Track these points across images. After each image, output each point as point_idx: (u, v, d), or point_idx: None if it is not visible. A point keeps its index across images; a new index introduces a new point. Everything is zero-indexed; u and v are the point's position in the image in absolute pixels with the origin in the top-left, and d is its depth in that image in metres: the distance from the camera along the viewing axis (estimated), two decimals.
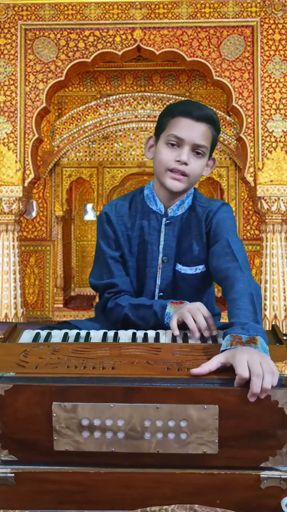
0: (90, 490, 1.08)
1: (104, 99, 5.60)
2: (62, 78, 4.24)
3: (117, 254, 1.60)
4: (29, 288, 5.80)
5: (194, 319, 1.30)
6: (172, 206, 1.58)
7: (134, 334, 1.35)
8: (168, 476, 1.07)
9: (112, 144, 5.88)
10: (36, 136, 4.25)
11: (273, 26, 4.19)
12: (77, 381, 1.07)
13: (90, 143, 5.86)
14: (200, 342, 1.29)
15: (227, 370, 1.08)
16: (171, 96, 5.58)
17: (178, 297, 1.53)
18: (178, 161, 1.46)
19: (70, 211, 6.52)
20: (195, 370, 1.08)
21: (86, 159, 5.89)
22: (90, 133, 5.64)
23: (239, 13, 4.19)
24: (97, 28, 4.21)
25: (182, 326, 1.33)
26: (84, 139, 5.75)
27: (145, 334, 1.34)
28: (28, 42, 4.25)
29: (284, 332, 1.34)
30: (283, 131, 4.21)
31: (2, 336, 1.34)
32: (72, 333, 1.37)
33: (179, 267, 1.57)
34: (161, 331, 1.37)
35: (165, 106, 5.41)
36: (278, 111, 4.20)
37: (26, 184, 4.27)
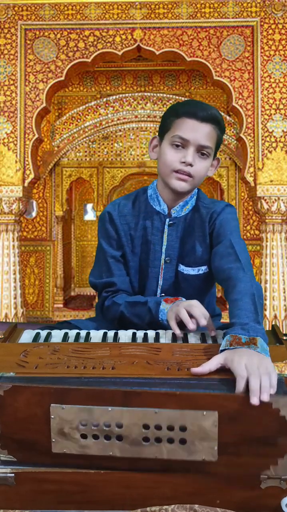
0: (90, 490, 1.07)
1: (104, 99, 5.60)
2: (62, 78, 4.24)
3: (118, 253, 1.59)
4: (29, 288, 5.80)
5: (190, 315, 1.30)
6: (175, 206, 1.57)
7: (134, 334, 1.35)
8: (168, 476, 1.06)
9: (112, 144, 5.88)
10: (36, 136, 4.25)
11: (273, 26, 4.19)
12: (76, 383, 1.06)
13: (90, 143, 5.86)
14: (200, 342, 1.29)
15: (227, 370, 1.08)
16: (171, 96, 5.58)
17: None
18: (183, 162, 1.46)
19: (70, 211, 6.52)
20: (196, 370, 1.08)
21: (86, 159, 5.89)
22: (90, 133, 5.64)
23: (239, 13, 4.19)
24: (97, 28, 4.21)
25: (180, 325, 1.33)
26: (84, 139, 5.75)
27: (145, 334, 1.34)
28: (28, 42, 4.25)
29: (284, 332, 1.34)
30: (283, 131, 4.21)
31: (2, 336, 1.34)
32: (72, 333, 1.37)
33: (182, 267, 1.57)
34: (161, 331, 1.37)
35: (165, 106, 5.44)
36: (278, 111, 4.20)
37: (26, 184, 4.27)
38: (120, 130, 5.82)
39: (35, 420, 1.05)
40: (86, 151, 5.88)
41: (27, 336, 1.36)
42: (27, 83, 4.25)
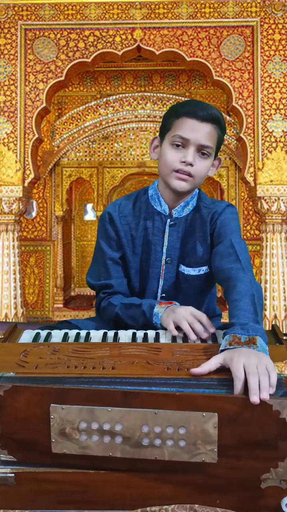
0: (90, 490, 1.07)
1: (104, 99, 5.60)
2: (62, 78, 4.24)
3: (117, 255, 1.59)
4: (29, 288, 5.80)
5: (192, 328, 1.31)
6: (176, 207, 1.57)
7: (134, 334, 1.35)
8: (168, 476, 1.06)
9: (112, 144, 5.88)
10: (36, 136, 4.25)
11: (273, 26, 4.19)
12: (75, 383, 1.06)
13: (90, 143, 5.86)
14: (200, 342, 1.29)
15: (227, 369, 1.08)
16: (171, 96, 5.58)
17: (180, 298, 1.54)
18: (184, 162, 1.46)
19: (70, 211, 6.52)
20: (195, 370, 1.08)
21: (86, 159, 5.89)
22: (90, 133, 5.64)
23: (239, 13, 4.19)
24: (97, 28, 4.21)
25: (178, 329, 1.34)
26: (84, 139, 5.75)
27: (145, 334, 1.34)
28: (28, 42, 4.25)
29: (284, 332, 1.34)
30: (283, 131, 4.21)
31: (2, 336, 1.34)
32: (72, 333, 1.37)
33: (183, 268, 1.57)
34: (161, 331, 1.37)
35: (165, 106, 5.44)
36: (278, 111, 4.20)
37: (26, 184, 4.27)
38: (120, 130, 5.82)
39: (35, 420, 1.05)
40: (86, 151, 5.88)
41: (27, 336, 1.36)
42: (27, 83, 4.25)
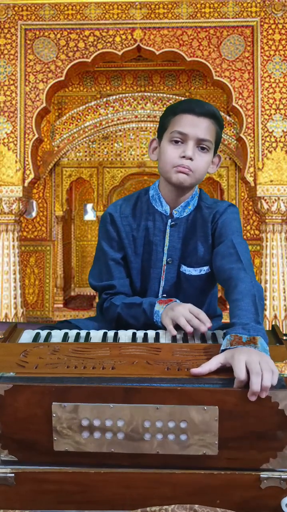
0: (90, 490, 1.08)
1: (104, 99, 5.60)
2: (62, 78, 4.24)
3: (119, 256, 1.59)
4: (29, 288, 5.80)
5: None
6: (177, 207, 1.57)
7: (134, 334, 1.35)
8: (168, 476, 1.07)
9: (112, 144, 5.88)
10: (36, 136, 4.25)
11: (273, 26, 4.19)
12: (77, 381, 1.07)
13: (90, 143, 5.86)
14: (200, 342, 1.29)
15: (227, 370, 1.08)
16: (171, 96, 5.58)
17: (181, 298, 1.54)
18: (183, 157, 1.46)
19: (70, 211, 6.52)
20: (195, 370, 1.08)
21: (86, 159, 5.89)
22: (90, 133, 5.64)
23: (239, 13, 4.19)
24: (97, 28, 4.21)
25: (177, 327, 1.34)
26: (84, 139, 5.75)
27: (145, 334, 1.34)
28: (28, 42, 4.25)
29: (284, 332, 1.34)
30: (283, 131, 4.21)
31: (2, 336, 1.34)
32: (72, 333, 1.37)
33: (184, 268, 1.57)
34: (161, 331, 1.37)
35: (165, 106, 5.44)
36: (278, 111, 4.20)
37: (26, 184, 4.27)
38: (120, 130, 5.82)
39: (35, 419, 1.05)
40: (86, 151, 5.88)
41: (27, 336, 1.36)
42: (27, 83, 4.25)
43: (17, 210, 4.28)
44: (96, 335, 1.36)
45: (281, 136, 4.21)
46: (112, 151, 5.88)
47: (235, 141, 5.39)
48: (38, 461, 1.08)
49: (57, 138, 5.61)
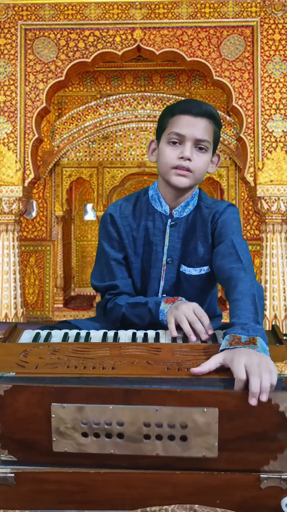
0: (90, 490, 1.07)
1: (104, 99, 5.60)
2: (62, 78, 4.24)
3: (120, 256, 1.59)
4: (29, 288, 5.80)
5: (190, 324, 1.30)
6: (177, 207, 1.57)
7: (134, 334, 1.35)
8: (168, 476, 1.06)
9: (112, 144, 5.88)
10: (36, 136, 4.25)
11: (273, 26, 4.19)
12: (76, 382, 1.06)
13: (90, 143, 5.86)
14: (200, 342, 1.29)
15: (227, 369, 1.08)
16: (171, 96, 5.58)
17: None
18: (182, 157, 1.46)
19: (70, 211, 6.52)
20: (196, 370, 1.08)
21: (86, 159, 5.89)
22: (90, 133, 5.64)
23: (239, 13, 4.19)
24: (97, 28, 4.21)
25: (180, 326, 1.33)
26: (84, 139, 5.75)
27: (145, 334, 1.34)
28: (28, 42, 4.25)
29: (284, 332, 1.34)
30: (283, 131, 4.21)
31: (2, 336, 1.34)
32: (72, 333, 1.37)
33: (184, 268, 1.57)
34: (161, 331, 1.37)
35: (165, 106, 5.43)
36: (278, 111, 4.20)
37: (26, 184, 4.27)
38: (120, 130, 5.82)
39: (35, 419, 1.05)
40: (86, 151, 5.88)
41: (27, 336, 1.36)
42: (27, 83, 4.25)
43: (17, 210, 4.28)
44: (96, 335, 1.36)
45: (281, 136, 4.20)
46: (112, 151, 5.88)
47: (235, 141, 5.39)
48: (38, 461, 1.08)
49: (57, 138, 5.61)
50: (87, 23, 4.21)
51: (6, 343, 1.30)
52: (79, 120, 5.60)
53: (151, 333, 1.36)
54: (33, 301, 5.81)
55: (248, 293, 1.25)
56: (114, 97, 5.60)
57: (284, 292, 4.23)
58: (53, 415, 1.04)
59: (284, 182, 4.19)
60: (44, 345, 1.26)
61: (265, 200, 4.20)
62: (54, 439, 1.05)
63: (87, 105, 5.62)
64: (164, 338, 1.34)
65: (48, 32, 4.23)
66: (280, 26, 4.19)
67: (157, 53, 4.21)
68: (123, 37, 4.21)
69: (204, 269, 1.56)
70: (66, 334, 1.36)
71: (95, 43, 4.21)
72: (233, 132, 5.43)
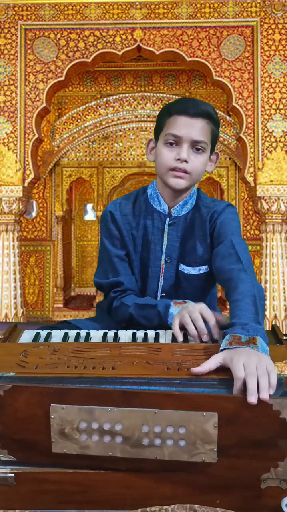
0: (90, 490, 1.07)
1: (104, 99, 5.60)
2: (62, 78, 4.24)
3: (122, 253, 1.59)
4: (29, 288, 5.80)
5: (194, 324, 1.29)
6: (175, 206, 1.57)
7: (134, 334, 1.35)
8: (168, 476, 1.06)
9: (112, 144, 5.88)
10: (36, 136, 4.25)
11: (273, 26, 4.19)
12: (76, 382, 1.06)
13: (90, 143, 5.86)
14: (200, 342, 1.29)
15: (227, 369, 1.07)
16: (171, 96, 5.58)
17: (181, 297, 1.53)
18: (178, 159, 1.46)
19: (70, 211, 6.52)
20: (196, 369, 1.08)
21: (86, 159, 5.89)
22: (90, 133, 5.64)
23: (239, 13, 4.19)
24: (97, 28, 4.21)
25: (185, 327, 1.33)
26: (84, 139, 5.75)
27: (145, 334, 1.34)
28: (28, 42, 4.25)
29: (284, 332, 1.34)
30: (283, 131, 4.21)
31: (2, 336, 1.34)
32: (72, 333, 1.37)
33: (183, 267, 1.57)
34: (161, 331, 1.37)
35: None
36: (278, 111, 4.20)
37: (26, 184, 4.27)
38: (120, 130, 5.82)
39: (35, 420, 1.05)
40: (86, 151, 5.88)
41: (27, 336, 1.36)
42: (27, 83, 4.25)
43: (17, 210, 4.28)
44: (96, 335, 1.36)
45: (281, 136, 4.20)
46: (112, 151, 5.88)
47: (235, 141, 5.39)
48: (38, 461, 1.08)
49: (57, 138, 5.61)
50: (87, 23, 4.21)
51: (6, 343, 1.30)
52: (79, 120, 5.60)
53: (151, 333, 1.36)
54: (33, 301, 5.81)
55: (248, 293, 1.24)
56: (114, 97, 5.60)
57: (284, 292, 4.23)
58: (52, 416, 1.04)
59: (284, 182, 4.19)
60: (44, 345, 1.25)
61: (265, 200, 4.20)
62: (53, 440, 1.05)
63: (87, 105, 5.62)
64: (164, 338, 1.34)
65: (48, 32, 4.23)
66: (280, 26, 4.19)
67: (157, 53, 4.21)
68: (123, 37, 4.21)
69: (203, 269, 1.56)
70: (66, 334, 1.35)
71: (95, 43, 4.21)
72: (233, 132, 5.43)
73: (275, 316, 4.19)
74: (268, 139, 4.20)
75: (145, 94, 5.61)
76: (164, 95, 5.59)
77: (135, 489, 1.06)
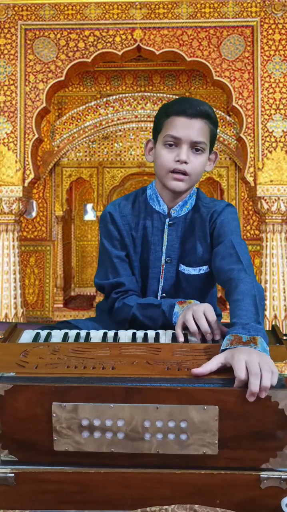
0: (90, 490, 1.07)
1: (104, 99, 5.60)
2: (62, 78, 4.24)
3: (123, 253, 1.59)
4: (29, 288, 5.80)
5: (196, 323, 1.29)
6: (175, 206, 1.57)
7: (134, 334, 1.35)
8: (168, 476, 1.07)
9: (112, 144, 5.88)
10: (36, 136, 4.25)
11: (273, 26, 4.19)
12: (77, 381, 1.06)
13: (90, 143, 5.86)
14: (200, 342, 1.29)
15: (228, 369, 1.08)
16: (171, 96, 5.58)
17: (181, 298, 1.53)
18: (178, 161, 1.46)
19: (70, 211, 6.52)
20: (197, 370, 1.08)
21: (86, 159, 5.89)
22: (90, 133, 5.64)
23: (239, 13, 4.19)
24: (97, 28, 4.21)
25: (187, 328, 1.33)
26: (84, 139, 5.75)
27: (145, 334, 1.34)
28: (28, 42, 4.25)
29: (284, 332, 1.34)
30: (283, 131, 4.21)
31: (2, 336, 1.34)
32: (72, 333, 1.37)
33: (183, 267, 1.57)
34: (161, 331, 1.37)
35: None
36: (278, 111, 4.20)
37: (26, 184, 4.27)
38: (120, 130, 5.82)
39: (35, 419, 1.05)
40: (86, 151, 5.89)
41: (27, 336, 1.36)
42: (27, 83, 4.25)
43: (17, 210, 4.28)
44: (96, 335, 1.36)
45: (281, 136, 4.21)
46: (112, 151, 5.88)
47: (235, 141, 5.39)
48: (38, 461, 1.08)
49: (57, 138, 5.61)
50: (87, 23, 4.21)
51: (6, 343, 1.30)
52: (79, 120, 5.60)
53: (151, 333, 1.36)
54: (33, 301, 5.81)
55: (249, 293, 1.24)
56: (114, 97, 5.60)
57: (284, 292, 4.23)
58: (54, 414, 1.04)
59: (284, 182, 4.19)
60: (44, 345, 1.26)
61: (265, 200, 4.20)
62: (55, 438, 1.05)
63: (87, 105, 5.62)
64: (164, 338, 1.34)
65: (48, 32, 4.23)
66: (280, 26, 4.19)
67: (157, 53, 4.21)
68: (123, 37, 4.21)
69: (203, 269, 1.56)
70: (66, 334, 1.36)
71: (95, 43, 4.22)
72: (233, 132, 5.43)
73: (275, 316, 4.19)
74: (268, 139, 4.20)
75: (145, 94, 5.61)
76: (164, 95, 5.59)
77: (135, 489, 1.07)
